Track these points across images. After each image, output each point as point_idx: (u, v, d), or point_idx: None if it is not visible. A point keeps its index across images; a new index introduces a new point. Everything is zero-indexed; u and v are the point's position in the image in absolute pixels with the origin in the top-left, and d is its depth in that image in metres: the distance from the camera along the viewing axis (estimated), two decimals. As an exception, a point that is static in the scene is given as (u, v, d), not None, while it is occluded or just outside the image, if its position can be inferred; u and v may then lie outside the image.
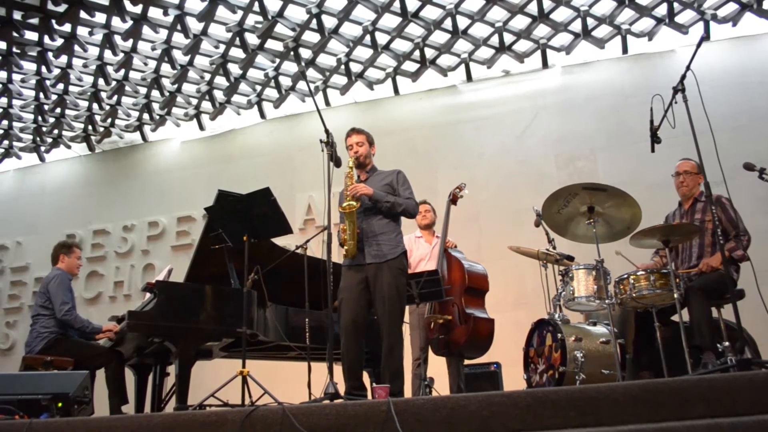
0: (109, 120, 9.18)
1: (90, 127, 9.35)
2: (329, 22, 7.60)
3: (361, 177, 4.41)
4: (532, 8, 7.39)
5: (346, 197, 4.10)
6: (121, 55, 7.91)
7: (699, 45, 3.77)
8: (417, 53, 8.05)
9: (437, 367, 5.32)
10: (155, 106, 8.95)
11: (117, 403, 4.84)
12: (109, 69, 8.18)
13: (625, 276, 4.32)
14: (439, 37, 7.87)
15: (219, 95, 8.76)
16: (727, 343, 3.65)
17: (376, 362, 4.38)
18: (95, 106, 8.89)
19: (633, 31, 7.66)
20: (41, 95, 8.63)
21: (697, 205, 4.68)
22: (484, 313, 5.06)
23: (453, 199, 5.60)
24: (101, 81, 8.39)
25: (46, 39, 7.60)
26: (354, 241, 4.09)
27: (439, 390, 5.07)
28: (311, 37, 7.79)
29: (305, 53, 8.03)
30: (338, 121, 7.01)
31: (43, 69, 8.14)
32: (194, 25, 7.56)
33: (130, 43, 7.78)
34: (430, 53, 8.10)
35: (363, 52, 8.10)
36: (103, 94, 8.66)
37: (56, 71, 8.21)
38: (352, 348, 4.04)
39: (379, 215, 4.24)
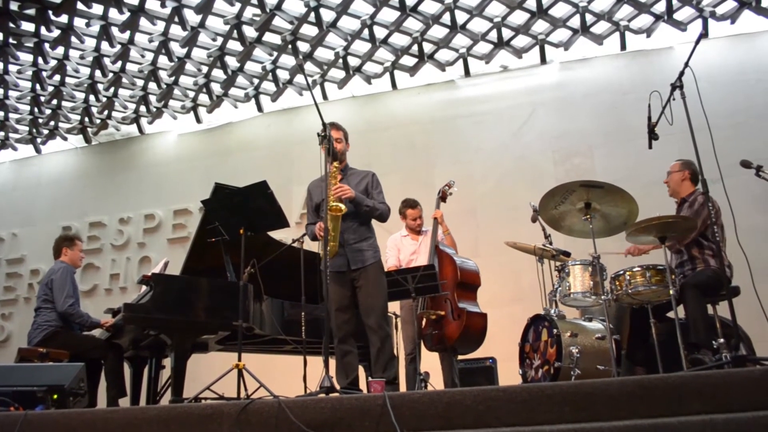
0: (106, 112, 9.15)
1: (86, 119, 9.32)
2: (327, 15, 7.58)
3: (337, 176, 4.40)
4: (531, 4, 7.39)
5: (330, 197, 4.07)
6: (118, 46, 7.89)
7: (697, 42, 3.76)
8: (415, 48, 8.04)
9: (430, 361, 5.33)
10: (152, 98, 8.93)
11: (115, 396, 4.85)
12: (106, 61, 8.16)
13: (621, 272, 4.33)
14: (438, 32, 7.86)
15: (216, 88, 8.74)
16: (722, 340, 3.66)
17: (365, 358, 4.42)
18: (92, 97, 8.87)
19: (631, 27, 7.66)
20: (38, 86, 8.60)
21: (684, 205, 4.70)
22: (476, 308, 5.07)
23: (442, 197, 5.61)
24: (98, 73, 8.37)
25: (43, 30, 7.58)
26: (337, 242, 4.14)
27: (434, 385, 5.08)
28: (309, 30, 7.78)
29: (303, 47, 8.02)
30: (336, 115, 6.97)
31: (40, 60, 8.11)
32: (192, 18, 7.54)
33: (127, 34, 7.76)
34: (428, 48, 8.09)
35: (361, 46, 8.08)
36: (100, 86, 8.64)
37: (53, 62, 8.18)
38: (346, 350, 4.18)
39: (357, 221, 4.33)
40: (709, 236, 4.44)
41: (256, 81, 8.65)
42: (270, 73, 8.47)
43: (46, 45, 7.82)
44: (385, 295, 4.33)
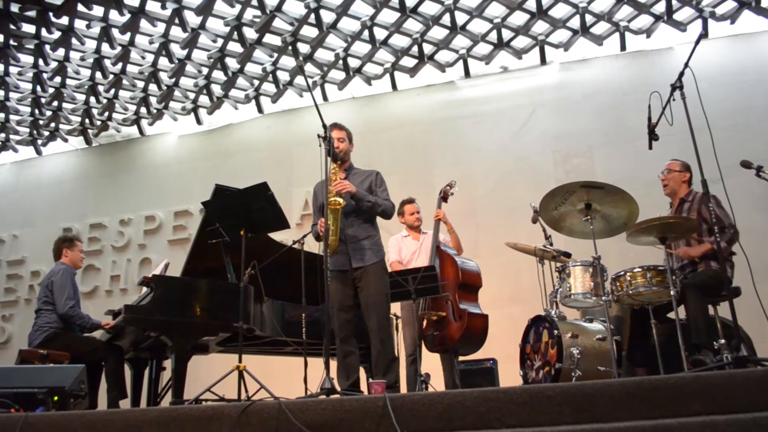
0: (107, 113, 9.15)
1: (87, 121, 9.33)
2: (327, 16, 7.59)
3: (339, 174, 4.41)
4: (531, 4, 7.39)
5: (331, 193, 4.09)
6: (119, 48, 7.89)
7: (697, 42, 3.76)
8: (415, 49, 8.04)
9: (431, 363, 5.33)
10: (152, 100, 8.93)
11: (115, 397, 4.84)
12: (107, 62, 8.16)
13: (622, 273, 4.33)
14: (438, 33, 7.86)
15: (216, 89, 8.74)
16: (723, 341, 3.66)
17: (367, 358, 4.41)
18: (92, 99, 8.87)
19: (631, 28, 7.66)
20: (38, 88, 8.60)
21: (684, 205, 4.70)
22: (477, 309, 5.07)
23: (444, 197, 5.62)
24: (98, 74, 8.37)
25: (44, 32, 7.57)
26: (336, 237, 4.15)
27: (434, 386, 5.07)
28: (309, 31, 7.78)
29: (303, 48, 8.02)
30: (336, 117, 6.93)
31: (41, 62, 8.11)
32: (192, 19, 7.54)
33: (127, 36, 7.76)
34: (428, 49, 8.09)
35: (361, 47, 8.08)
36: (101, 88, 8.65)
37: (53, 64, 8.18)
38: (348, 351, 4.17)
39: (360, 219, 4.32)
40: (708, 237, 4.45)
41: (256, 82, 8.65)
42: (270, 75, 8.47)
43: (47, 47, 7.82)
44: (387, 296, 4.31)
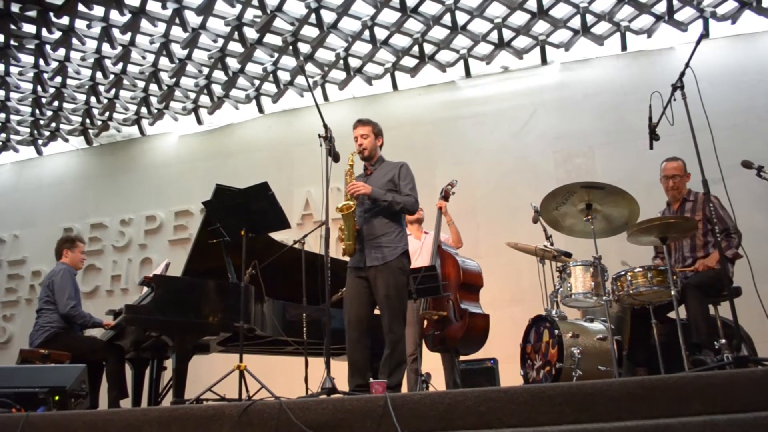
0: (107, 113, 9.16)
1: (88, 121, 9.33)
2: (328, 16, 7.59)
3: (367, 170, 4.40)
4: (532, 4, 7.39)
5: (345, 196, 4.08)
6: (119, 48, 7.89)
7: (698, 42, 3.76)
8: (416, 49, 8.04)
9: (431, 362, 5.33)
10: (153, 99, 8.93)
11: (116, 397, 4.84)
12: (107, 62, 8.16)
13: (623, 273, 4.33)
14: (438, 33, 7.86)
15: (217, 89, 8.75)
16: (723, 341, 3.66)
17: (374, 357, 4.37)
18: (93, 99, 8.87)
19: (632, 28, 7.66)
20: (39, 88, 8.61)
21: (686, 205, 4.69)
22: (479, 309, 5.07)
23: (445, 196, 5.62)
24: (99, 74, 8.37)
25: (44, 32, 7.58)
26: (352, 240, 4.10)
27: (435, 386, 5.07)
28: (310, 31, 7.78)
29: (304, 48, 8.02)
30: (337, 116, 6.98)
31: (41, 62, 8.12)
32: (193, 19, 7.55)
33: (128, 36, 7.77)
34: (429, 49, 8.09)
35: (362, 47, 8.08)
36: (101, 88, 8.65)
37: (54, 64, 8.19)
38: (357, 348, 4.04)
39: (380, 215, 4.20)
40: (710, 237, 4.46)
41: (256, 82, 8.65)
42: (271, 75, 8.47)
43: (48, 47, 7.83)
44: (401, 296, 4.11)
